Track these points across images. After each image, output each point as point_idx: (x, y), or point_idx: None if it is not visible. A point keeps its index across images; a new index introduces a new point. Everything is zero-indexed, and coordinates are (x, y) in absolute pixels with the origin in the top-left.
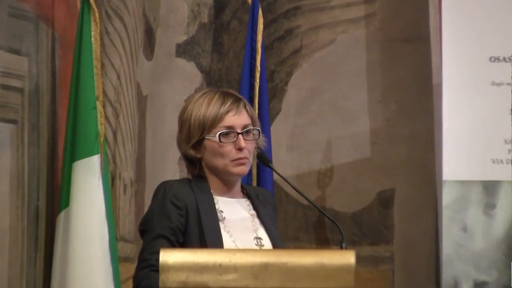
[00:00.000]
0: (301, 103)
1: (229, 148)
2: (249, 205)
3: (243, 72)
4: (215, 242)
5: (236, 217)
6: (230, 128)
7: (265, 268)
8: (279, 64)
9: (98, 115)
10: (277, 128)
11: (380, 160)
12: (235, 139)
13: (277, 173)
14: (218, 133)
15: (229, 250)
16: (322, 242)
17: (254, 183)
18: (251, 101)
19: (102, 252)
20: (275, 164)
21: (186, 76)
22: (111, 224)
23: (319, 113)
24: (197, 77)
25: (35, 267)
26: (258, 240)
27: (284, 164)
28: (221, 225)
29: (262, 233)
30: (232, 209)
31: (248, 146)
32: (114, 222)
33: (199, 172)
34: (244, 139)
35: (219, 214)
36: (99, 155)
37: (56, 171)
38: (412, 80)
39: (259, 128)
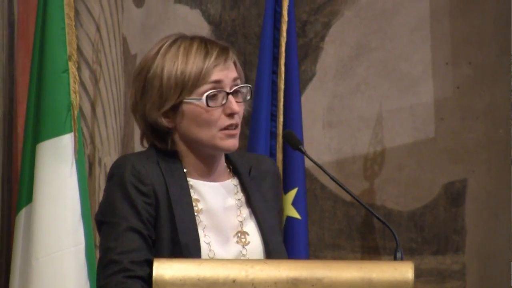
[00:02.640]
0: (342, 65)
1: (217, 113)
2: (236, 186)
3: (264, 23)
4: (192, 245)
5: (216, 207)
6: (218, 88)
7: (293, 285)
8: (313, 12)
9: (71, 80)
10: (310, 98)
11: (448, 142)
12: (224, 101)
13: (310, 159)
14: (206, 94)
15: (245, 261)
16: (370, 251)
17: (280, 171)
18: (276, 61)
19: (76, 264)
20: (308, 146)
21: (188, 28)
22: (88, 227)
23: (366, 78)
24: (203, 30)
25: None
26: (241, 236)
27: (320, 146)
28: (197, 219)
29: (250, 226)
30: (211, 196)
31: (240, 110)
32: (92, 223)
33: (172, 147)
34: (235, 101)
35: (194, 205)
36: (71, 134)
37: (15, 155)
38: (491, 34)
39: (250, 86)
